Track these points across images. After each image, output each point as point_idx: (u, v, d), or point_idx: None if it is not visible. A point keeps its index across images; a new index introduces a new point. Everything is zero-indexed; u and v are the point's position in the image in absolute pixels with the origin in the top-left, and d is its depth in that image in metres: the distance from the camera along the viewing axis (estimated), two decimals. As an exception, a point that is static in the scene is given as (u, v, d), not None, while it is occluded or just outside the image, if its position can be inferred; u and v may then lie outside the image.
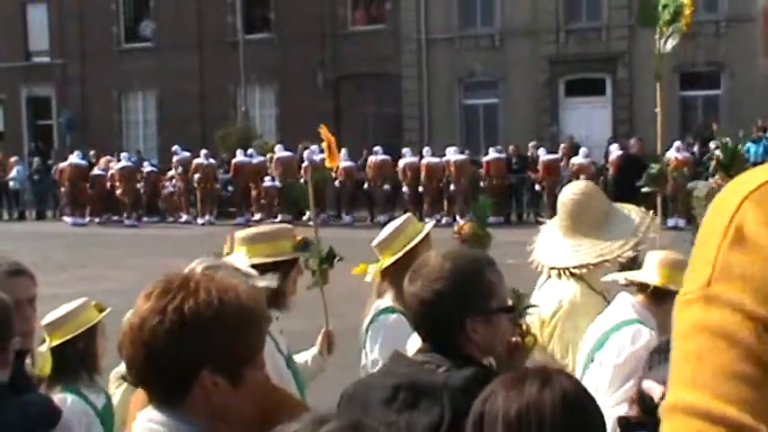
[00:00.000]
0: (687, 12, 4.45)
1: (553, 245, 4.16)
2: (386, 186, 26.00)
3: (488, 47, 30.80)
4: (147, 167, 28.95)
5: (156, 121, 36.11)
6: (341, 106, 32.89)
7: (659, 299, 3.71)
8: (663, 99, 4.69)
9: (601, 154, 25.94)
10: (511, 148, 26.48)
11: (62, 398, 3.82)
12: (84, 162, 28.96)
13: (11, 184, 30.52)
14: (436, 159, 25.59)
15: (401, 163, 26.10)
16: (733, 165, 3.58)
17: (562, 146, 26.30)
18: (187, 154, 28.18)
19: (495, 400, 1.95)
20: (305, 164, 24.45)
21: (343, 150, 27.04)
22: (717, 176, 3.55)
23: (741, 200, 1.01)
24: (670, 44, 4.46)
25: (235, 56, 32.02)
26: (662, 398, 1.82)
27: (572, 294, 4.06)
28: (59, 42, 37.03)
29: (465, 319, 2.57)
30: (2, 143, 35.95)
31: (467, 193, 24.99)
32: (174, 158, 28.35)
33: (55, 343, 3.95)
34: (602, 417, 2.02)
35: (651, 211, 4.26)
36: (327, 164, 5.15)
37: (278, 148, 27.29)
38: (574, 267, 4.02)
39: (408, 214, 4.76)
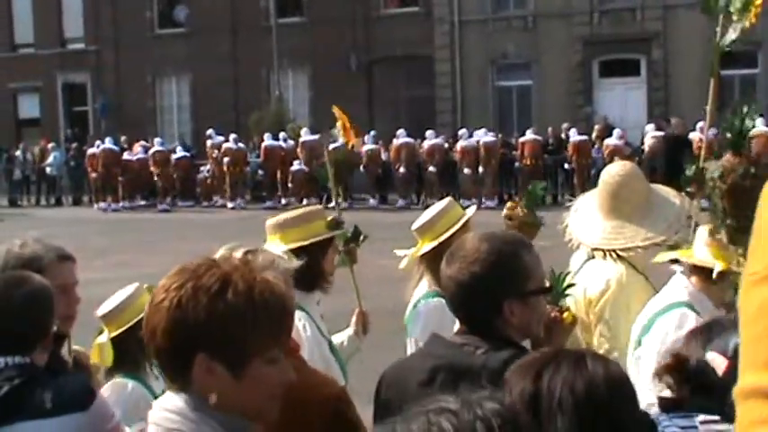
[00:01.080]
0: (759, 2, 4.28)
1: (593, 225, 4.10)
2: (402, 169, 25.99)
3: (521, 28, 30.61)
4: (178, 153, 29.08)
5: (189, 106, 36.29)
6: (374, 89, 32.87)
7: (714, 276, 3.63)
8: (715, 96, 4.54)
9: (635, 135, 25.72)
10: (549, 129, 26.38)
11: (122, 383, 3.81)
12: (116, 147, 29.17)
13: (48, 170, 30.84)
14: (472, 142, 25.61)
15: (425, 145, 26.14)
16: (740, 143, 3.51)
17: (596, 127, 26.15)
18: (221, 138, 28.33)
19: (555, 379, 1.91)
20: (329, 146, 24.57)
21: (372, 133, 27.12)
22: (727, 155, 3.48)
23: None
24: (730, 37, 4.31)
25: (268, 40, 32.07)
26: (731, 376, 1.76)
27: (618, 274, 3.99)
28: (94, 29, 37.28)
29: (502, 301, 2.57)
30: (39, 130, 36.33)
31: (496, 175, 24.92)
32: (208, 143, 28.51)
33: (114, 333, 3.87)
34: (635, 403, 1.99)
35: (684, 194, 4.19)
36: (345, 141, 5.15)
37: (304, 131, 27.35)
38: (621, 250, 3.97)
39: (449, 198, 4.70)
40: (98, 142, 29.70)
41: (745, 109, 3.67)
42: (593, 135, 25.71)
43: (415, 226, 4.37)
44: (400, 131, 26.62)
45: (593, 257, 4.08)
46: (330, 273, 3.94)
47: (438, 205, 4.45)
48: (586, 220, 4.15)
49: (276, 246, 3.76)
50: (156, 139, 29.65)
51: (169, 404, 1.95)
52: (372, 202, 26.06)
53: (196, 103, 35.75)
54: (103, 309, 3.90)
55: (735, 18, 4.26)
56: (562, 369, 1.90)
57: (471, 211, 4.47)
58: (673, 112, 25.80)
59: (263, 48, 32.46)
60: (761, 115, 23.30)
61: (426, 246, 4.23)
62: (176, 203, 28.14)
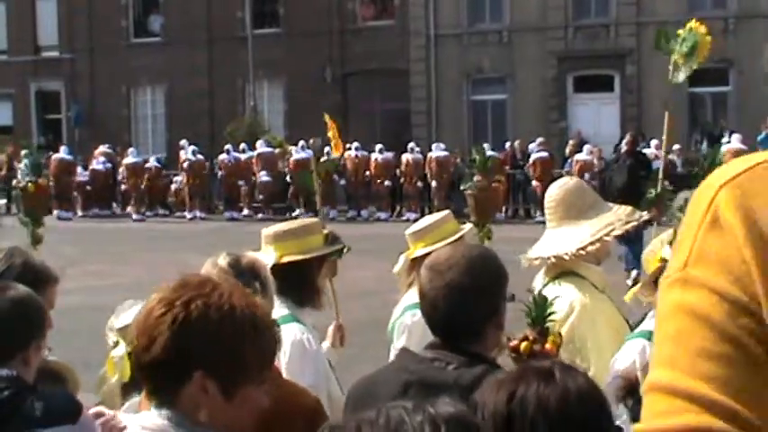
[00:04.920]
0: (705, 50, 4.42)
1: (542, 240, 4.13)
2: (342, 181, 26.21)
3: (496, 43, 30.77)
4: (151, 161, 29.02)
5: (164, 116, 36.15)
6: (349, 102, 32.90)
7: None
8: (671, 128, 4.70)
9: (609, 150, 25.86)
10: (517, 142, 26.47)
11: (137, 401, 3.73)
12: (70, 157, 28.91)
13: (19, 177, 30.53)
14: (419, 155, 25.95)
15: (378, 158, 26.24)
16: None
17: (570, 142, 26.28)
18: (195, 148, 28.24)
19: (526, 397, 1.91)
20: (291, 157, 24.86)
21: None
22: None
23: (717, 189, 1.05)
24: (682, 75, 4.46)
25: (243, 51, 32.04)
26: None
27: (581, 295, 3.93)
28: (68, 37, 37.08)
29: (497, 306, 2.65)
30: (11, 137, 36.04)
31: (447, 189, 24.97)
32: (181, 153, 28.38)
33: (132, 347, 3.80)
34: (608, 415, 2.01)
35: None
36: (334, 152, 5.20)
37: (259, 143, 27.41)
38: (581, 248, 3.94)
39: (447, 211, 4.73)
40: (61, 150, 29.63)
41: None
42: (567, 150, 25.84)
43: (410, 230, 4.39)
44: (356, 144, 26.68)
45: (553, 281, 4.03)
46: (323, 289, 3.88)
47: (437, 215, 4.52)
48: (543, 239, 4.15)
49: (270, 257, 3.71)
50: (131, 150, 29.41)
51: (148, 422, 1.94)
52: (332, 213, 25.85)
53: (171, 112, 35.63)
54: (122, 321, 3.77)
55: (681, 62, 4.43)
56: (532, 387, 1.91)
57: (467, 227, 4.51)
58: (645, 128, 26.02)
59: (238, 58, 32.43)
60: (731, 132, 23.56)
61: (420, 250, 4.21)
62: (144, 214, 27.93)
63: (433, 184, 25.04)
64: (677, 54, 4.40)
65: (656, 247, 3.76)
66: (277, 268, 3.64)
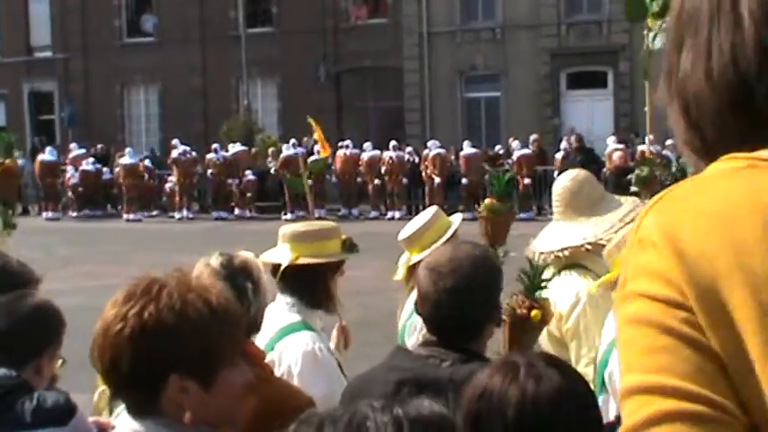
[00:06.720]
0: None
1: (548, 232, 4.13)
2: (334, 179, 26.37)
3: (489, 40, 30.79)
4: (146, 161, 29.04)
5: (158, 116, 36.09)
6: (342, 100, 32.89)
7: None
8: (652, 99, 4.69)
9: (602, 147, 25.88)
10: (510, 140, 26.45)
11: None
12: (53, 158, 28.87)
13: (13, 178, 30.44)
14: (402, 153, 26.04)
15: (364, 156, 26.24)
16: None
17: (564, 138, 26.31)
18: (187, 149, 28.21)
19: (491, 399, 1.91)
20: (282, 155, 24.91)
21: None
22: None
23: (644, 214, 1.18)
24: (659, 41, 4.42)
25: (237, 50, 31.99)
26: None
27: (588, 287, 3.90)
28: (61, 37, 37.00)
29: (497, 304, 2.69)
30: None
31: (446, 187, 24.93)
32: (174, 153, 28.34)
33: None
34: (592, 414, 2.01)
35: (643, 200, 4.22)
36: (322, 153, 5.19)
37: (231, 145, 27.51)
38: (562, 249, 3.94)
39: (435, 207, 4.64)
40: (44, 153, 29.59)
41: None
42: (561, 146, 25.83)
43: (402, 236, 4.34)
44: (347, 142, 26.69)
45: (560, 273, 4.04)
46: (335, 294, 3.83)
47: (424, 215, 4.44)
48: (546, 230, 4.16)
49: (285, 255, 3.72)
50: (127, 150, 29.31)
51: (137, 426, 1.92)
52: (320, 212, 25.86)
53: (165, 112, 35.57)
54: None
55: (658, 23, 4.38)
56: (495, 387, 1.92)
57: (458, 219, 4.48)
58: (638, 125, 26.03)
59: (232, 58, 32.38)
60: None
61: (416, 256, 4.18)
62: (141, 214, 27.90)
63: (437, 180, 24.98)
64: (650, 16, 4.34)
65: (619, 244, 3.74)
66: (292, 268, 3.67)
